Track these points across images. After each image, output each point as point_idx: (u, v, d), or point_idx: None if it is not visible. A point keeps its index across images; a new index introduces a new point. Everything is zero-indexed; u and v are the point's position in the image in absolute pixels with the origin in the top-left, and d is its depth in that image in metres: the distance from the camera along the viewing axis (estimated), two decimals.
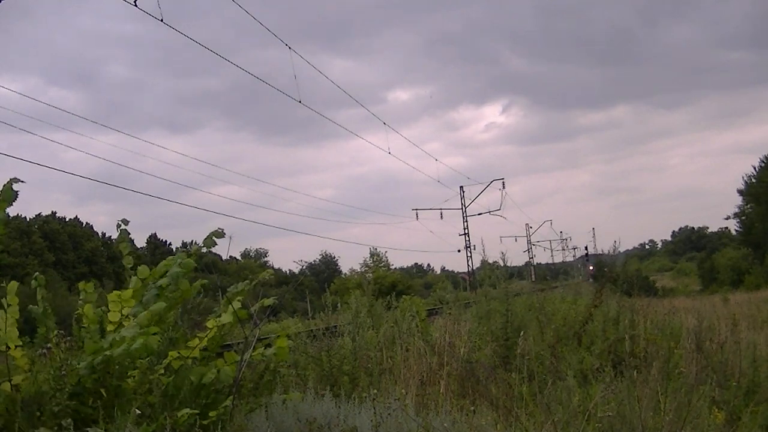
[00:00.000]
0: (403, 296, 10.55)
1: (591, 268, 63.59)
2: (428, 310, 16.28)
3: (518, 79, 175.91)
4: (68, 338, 4.66)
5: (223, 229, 5.11)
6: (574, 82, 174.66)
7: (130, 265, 5.24)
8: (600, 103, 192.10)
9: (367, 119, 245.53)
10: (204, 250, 5.10)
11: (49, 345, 4.63)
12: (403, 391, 5.56)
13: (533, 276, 56.59)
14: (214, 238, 5.06)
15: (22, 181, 4.35)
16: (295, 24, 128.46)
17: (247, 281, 5.17)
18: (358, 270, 63.99)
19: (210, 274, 9.17)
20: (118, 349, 4.12)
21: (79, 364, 4.15)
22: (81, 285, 5.14)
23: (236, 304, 4.81)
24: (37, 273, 5.11)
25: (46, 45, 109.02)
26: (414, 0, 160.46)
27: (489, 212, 45.63)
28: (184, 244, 63.64)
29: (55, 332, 4.71)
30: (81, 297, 5.08)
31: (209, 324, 4.77)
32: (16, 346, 4.48)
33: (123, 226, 5.44)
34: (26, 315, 4.94)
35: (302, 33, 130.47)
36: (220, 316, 4.88)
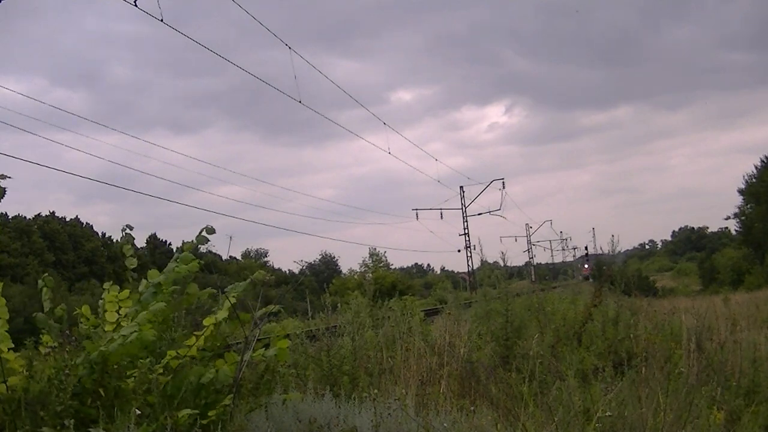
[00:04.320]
0: (395, 298, 10.48)
1: (586, 267, 63.69)
2: (428, 310, 16.29)
3: (521, 79, 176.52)
4: (73, 338, 4.66)
5: (212, 227, 5.20)
6: (576, 83, 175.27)
7: (133, 266, 5.28)
8: (602, 103, 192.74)
9: (369, 120, 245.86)
10: (199, 246, 5.19)
11: (54, 344, 4.62)
12: (403, 391, 5.55)
13: (533, 276, 56.59)
14: (205, 234, 5.15)
15: (9, 177, 4.25)
16: (299, 25, 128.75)
17: (248, 281, 5.17)
18: (358, 270, 63.89)
19: (210, 274, 9.17)
20: (114, 344, 4.12)
21: (75, 362, 4.14)
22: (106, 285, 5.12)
23: (232, 299, 4.80)
24: (46, 274, 5.13)
25: (50, 45, 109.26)
26: (417, 1, 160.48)
27: (489, 212, 45.82)
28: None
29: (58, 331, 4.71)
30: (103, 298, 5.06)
31: (206, 322, 4.77)
32: (9, 349, 4.39)
33: (128, 231, 5.48)
34: (27, 315, 4.94)
35: (306, 34, 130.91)
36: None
